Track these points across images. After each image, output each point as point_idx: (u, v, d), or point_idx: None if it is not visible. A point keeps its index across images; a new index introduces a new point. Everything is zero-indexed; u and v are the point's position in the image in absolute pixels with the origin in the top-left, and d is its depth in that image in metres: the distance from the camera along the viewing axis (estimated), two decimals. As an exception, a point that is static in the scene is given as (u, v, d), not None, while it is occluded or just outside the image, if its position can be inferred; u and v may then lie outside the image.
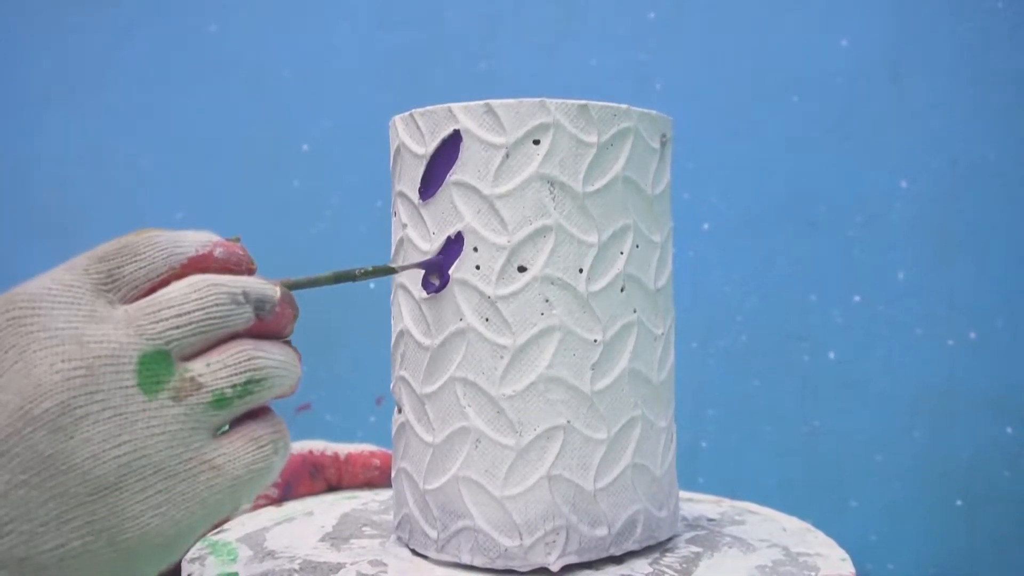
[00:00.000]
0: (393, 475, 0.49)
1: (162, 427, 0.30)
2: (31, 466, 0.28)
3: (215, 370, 0.31)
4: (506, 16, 0.89)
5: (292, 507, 0.57)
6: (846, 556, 0.47)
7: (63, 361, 0.29)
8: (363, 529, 0.51)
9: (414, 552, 0.47)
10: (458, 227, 0.44)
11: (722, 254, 0.81)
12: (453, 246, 0.44)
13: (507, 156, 0.43)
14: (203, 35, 1.04)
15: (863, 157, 0.77)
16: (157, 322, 0.31)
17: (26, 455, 0.28)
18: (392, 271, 0.42)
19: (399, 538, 0.48)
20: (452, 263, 0.44)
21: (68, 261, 0.32)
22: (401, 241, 0.47)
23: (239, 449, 0.32)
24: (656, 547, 0.47)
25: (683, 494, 0.59)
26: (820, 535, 0.51)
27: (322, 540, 0.49)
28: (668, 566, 0.45)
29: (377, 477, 0.64)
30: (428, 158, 0.44)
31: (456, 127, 0.43)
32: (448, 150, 0.44)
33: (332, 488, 0.63)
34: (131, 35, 1.08)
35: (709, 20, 0.82)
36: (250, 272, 0.34)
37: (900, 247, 0.76)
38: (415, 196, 0.45)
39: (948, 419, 0.74)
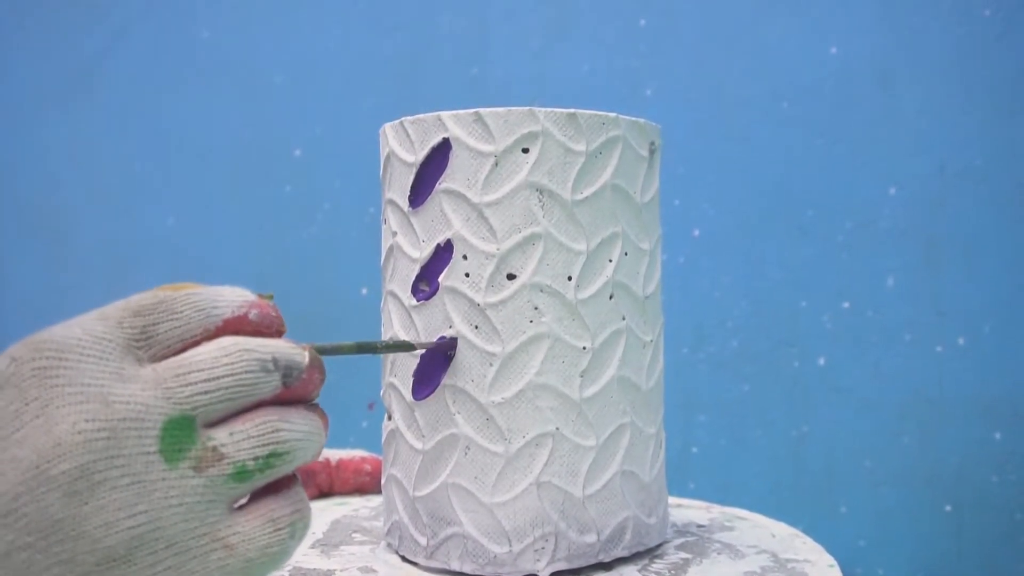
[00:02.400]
0: (383, 482, 0.49)
1: (179, 499, 0.29)
2: (39, 529, 0.27)
3: (238, 440, 0.30)
4: (498, 22, 0.90)
5: (282, 513, 0.57)
6: (834, 562, 0.47)
7: (87, 421, 0.28)
8: (353, 535, 0.51)
9: (404, 559, 0.47)
10: (447, 235, 0.44)
11: (712, 260, 0.81)
12: (442, 254, 0.44)
13: (496, 164, 0.43)
14: (195, 40, 1.04)
15: (852, 163, 0.77)
16: (186, 385, 0.30)
17: (35, 516, 0.27)
18: (411, 348, 0.42)
19: (389, 544, 0.48)
20: (441, 271, 0.44)
21: (101, 309, 0.31)
22: (391, 249, 0.47)
23: (255, 529, 0.30)
24: (645, 553, 0.48)
25: (673, 500, 0.59)
26: (808, 541, 0.51)
27: (312, 546, 0.49)
28: (657, 572, 0.45)
29: (368, 483, 0.64)
30: (418, 166, 0.45)
31: (445, 135, 0.44)
32: (437, 158, 0.44)
33: (323, 494, 0.63)
34: (123, 40, 1.08)
35: (700, 27, 0.82)
36: (279, 334, 0.33)
37: (889, 253, 0.76)
38: (405, 204, 0.45)
39: (937, 424, 0.74)
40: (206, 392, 0.30)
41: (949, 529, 0.74)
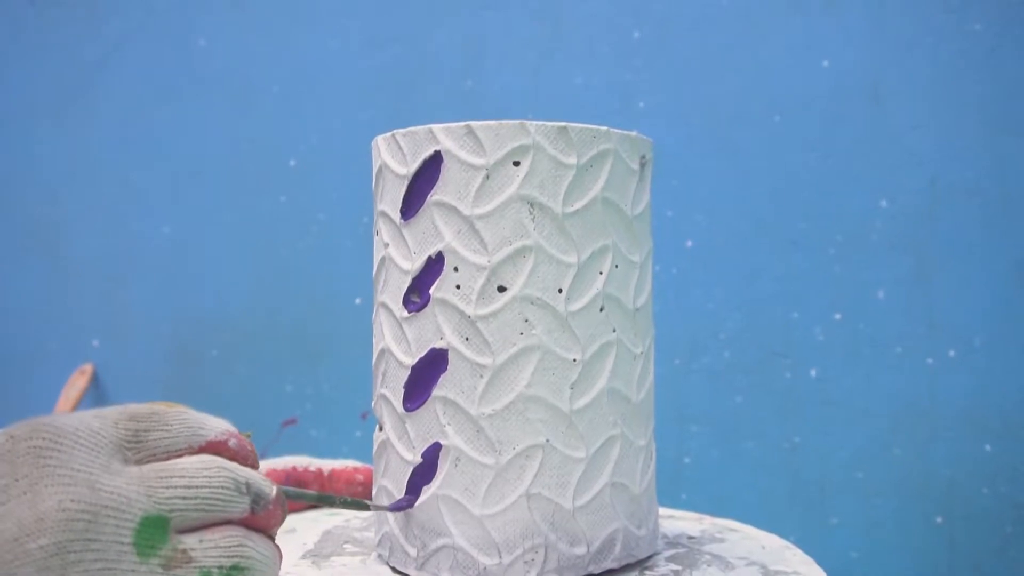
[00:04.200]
0: (374, 493, 0.49)
1: None
2: None
3: (206, 548, 0.32)
4: (492, 35, 0.90)
5: (274, 524, 0.57)
6: (824, 574, 0.47)
7: (72, 501, 0.29)
8: (344, 546, 0.51)
9: (394, 570, 0.47)
10: (438, 247, 0.44)
11: (705, 271, 0.82)
12: (434, 266, 0.44)
13: (487, 177, 0.43)
14: (192, 51, 1.04)
15: (844, 176, 0.78)
16: (167, 488, 0.31)
17: None
18: (366, 507, 0.44)
19: (380, 556, 0.48)
20: (433, 282, 0.44)
21: (100, 409, 0.33)
22: (383, 260, 0.47)
23: None
24: (635, 565, 0.48)
25: (665, 511, 0.59)
26: (799, 553, 0.51)
27: (303, 557, 0.49)
28: (646, 584, 0.45)
29: (361, 493, 0.64)
30: (409, 178, 0.45)
31: (437, 148, 0.44)
32: (429, 171, 0.44)
33: (315, 504, 0.63)
34: (120, 50, 1.08)
35: (693, 40, 0.83)
36: (253, 468, 0.36)
37: (880, 266, 0.76)
38: (396, 216, 0.46)
39: (928, 436, 0.75)
40: (184, 498, 0.32)
41: (940, 541, 0.74)
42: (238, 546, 0.33)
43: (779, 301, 0.79)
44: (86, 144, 1.10)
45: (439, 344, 0.44)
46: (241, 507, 0.33)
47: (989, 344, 0.73)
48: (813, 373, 0.78)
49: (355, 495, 0.64)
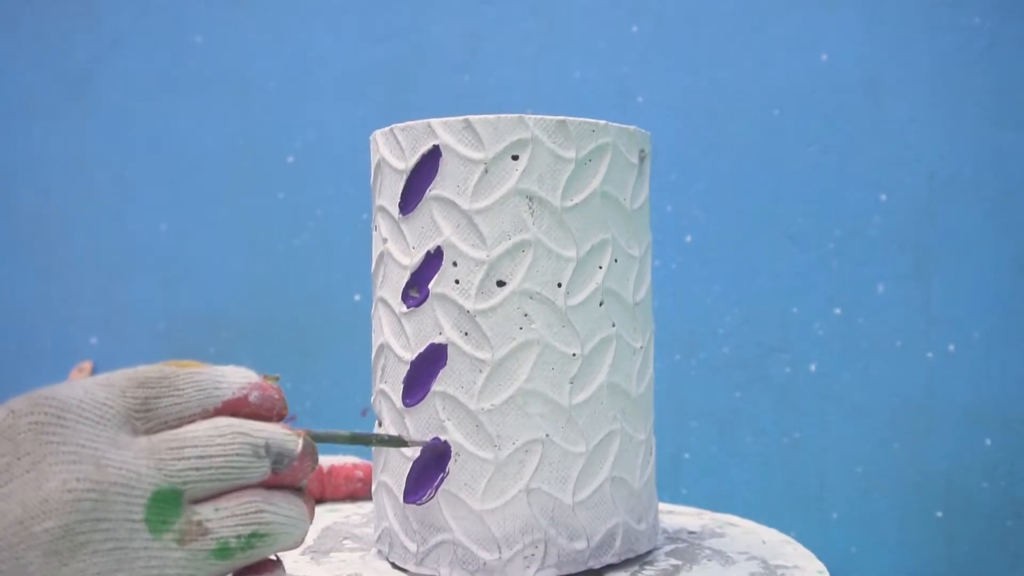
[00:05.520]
0: (374, 488, 0.49)
1: (160, 570, 0.29)
2: None
3: (223, 517, 0.30)
4: (489, 30, 0.90)
5: (273, 520, 0.57)
6: (823, 568, 0.47)
7: (77, 480, 0.27)
8: (344, 542, 0.51)
9: (394, 565, 0.47)
10: (437, 242, 0.44)
11: (704, 266, 0.81)
12: (432, 260, 0.44)
13: (486, 171, 0.43)
14: (188, 46, 1.04)
15: (842, 171, 0.77)
16: (179, 460, 0.30)
17: (12, 574, 0.26)
18: (403, 443, 0.42)
19: (379, 551, 0.48)
20: (432, 277, 0.44)
21: (107, 375, 0.31)
22: (381, 255, 0.47)
23: None
24: (635, 560, 0.48)
25: (665, 506, 0.59)
26: (799, 547, 0.51)
27: (303, 553, 0.49)
28: (647, 579, 0.45)
29: (360, 489, 0.64)
30: (408, 173, 0.45)
31: (435, 142, 0.44)
32: (428, 165, 0.44)
33: (316, 500, 0.63)
34: (116, 46, 1.08)
35: (691, 34, 0.83)
36: (280, 417, 0.33)
37: (879, 260, 0.76)
38: (395, 210, 0.45)
39: (927, 431, 0.75)
40: (198, 469, 0.30)
41: (940, 535, 0.74)
42: (256, 512, 0.31)
43: (778, 296, 0.79)
44: (82, 141, 1.10)
45: (438, 339, 0.44)
46: (260, 471, 0.31)
47: (988, 338, 0.73)
48: (812, 368, 0.78)
49: (355, 491, 0.64)
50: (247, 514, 0.31)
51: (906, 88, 0.76)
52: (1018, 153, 0.73)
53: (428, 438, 0.44)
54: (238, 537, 0.30)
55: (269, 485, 0.32)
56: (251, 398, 0.32)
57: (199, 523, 0.30)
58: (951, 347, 0.74)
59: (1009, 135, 0.73)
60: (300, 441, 0.32)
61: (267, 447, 0.31)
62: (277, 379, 0.34)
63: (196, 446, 0.30)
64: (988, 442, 0.73)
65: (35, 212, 1.13)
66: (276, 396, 0.33)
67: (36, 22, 1.12)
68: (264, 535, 0.31)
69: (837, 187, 0.77)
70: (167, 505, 0.29)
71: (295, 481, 0.33)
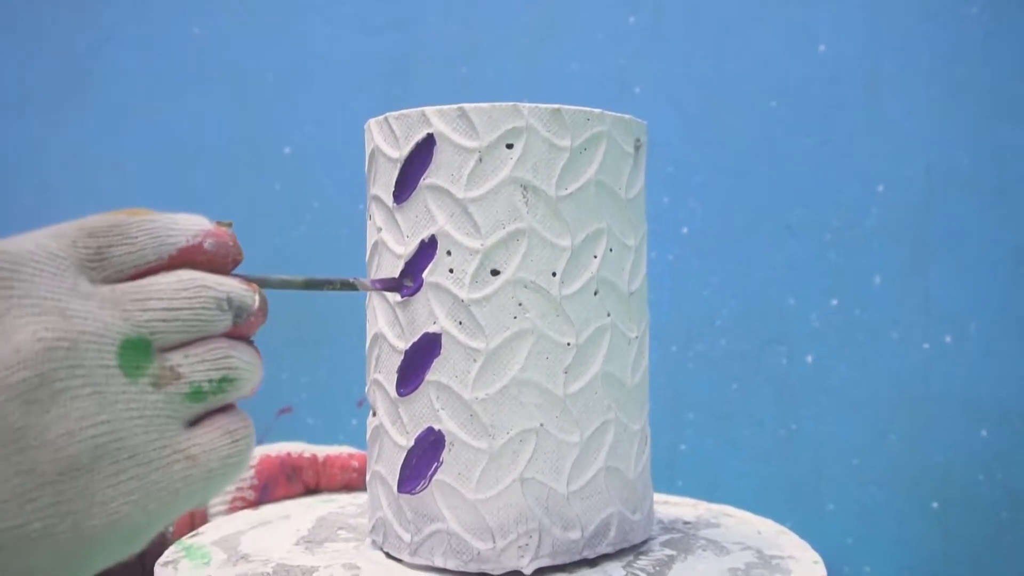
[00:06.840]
0: (368, 478, 0.49)
1: (140, 411, 0.29)
2: None
3: (193, 363, 0.31)
4: (487, 21, 0.90)
5: (269, 510, 0.57)
6: (819, 559, 0.47)
7: (46, 330, 0.27)
8: (338, 532, 0.51)
9: (388, 555, 0.47)
10: (431, 231, 0.44)
11: (701, 258, 0.81)
12: (426, 249, 0.44)
13: (480, 160, 0.43)
14: (186, 38, 1.04)
15: (840, 162, 0.77)
16: (144, 311, 0.30)
17: None
18: (354, 287, 0.42)
19: (373, 541, 0.48)
20: (426, 266, 0.44)
21: (54, 227, 0.31)
22: (376, 244, 0.47)
23: (215, 440, 0.31)
24: (630, 550, 0.48)
25: (660, 497, 0.59)
26: (794, 537, 0.51)
27: (297, 543, 0.49)
28: (642, 569, 0.45)
29: (356, 479, 0.64)
30: (402, 162, 0.44)
31: (430, 131, 0.43)
32: (422, 154, 0.44)
33: (310, 491, 0.63)
34: (113, 38, 1.08)
35: (688, 25, 0.82)
36: (236, 263, 0.34)
37: (876, 252, 0.76)
38: (389, 199, 0.45)
39: (924, 423, 0.74)
40: (165, 320, 0.30)
41: (936, 527, 0.74)
42: (224, 358, 0.32)
43: (775, 287, 0.79)
44: (79, 132, 1.10)
45: (432, 328, 0.44)
46: (223, 324, 0.32)
47: (985, 330, 0.73)
48: (809, 359, 0.78)
49: (350, 481, 0.64)
50: (216, 359, 0.32)
51: (904, 79, 0.76)
52: (1016, 145, 0.72)
53: (379, 285, 0.44)
54: (210, 381, 0.31)
55: (228, 335, 0.33)
56: (206, 245, 0.33)
57: (171, 368, 0.30)
58: (948, 339, 0.74)
59: (1007, 127, 0.73)
60: (257, 296, 0.33)
61: (229, 301, 0.32)
62: (231, 225, 0.34)
63: (161, 298, 0.31)
64: (984, 434, 0.73)
65: (31, 205, 1.13)
66: (231, 243, 0.34)
67: (33, 15, 1.12)
68: (233, 379, 0.32)
69: (834, 178, 0.77)
70: (138, 352, 0.30)
71: (249, 332, 0.34)
